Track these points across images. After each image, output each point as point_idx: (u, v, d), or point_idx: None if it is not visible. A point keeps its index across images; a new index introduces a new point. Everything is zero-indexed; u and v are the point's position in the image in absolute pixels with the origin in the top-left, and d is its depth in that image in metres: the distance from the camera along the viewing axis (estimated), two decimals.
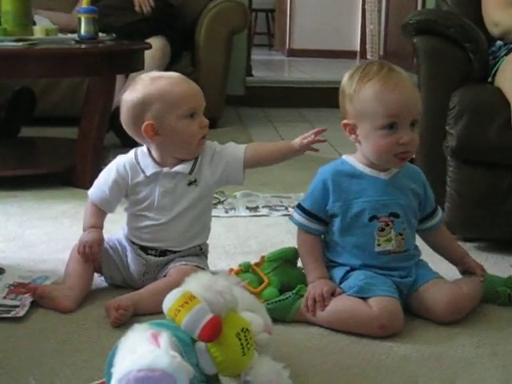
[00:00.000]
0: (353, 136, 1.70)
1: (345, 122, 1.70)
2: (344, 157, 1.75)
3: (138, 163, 1.79)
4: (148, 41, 3.55)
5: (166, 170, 1.77)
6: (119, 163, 1.80)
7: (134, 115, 1.75)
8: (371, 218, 1.69)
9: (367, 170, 1.71)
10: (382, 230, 1.69)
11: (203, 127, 1.76)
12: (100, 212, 1.82)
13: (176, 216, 1.78)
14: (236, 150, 1.80)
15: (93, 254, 1.76)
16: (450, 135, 2.14)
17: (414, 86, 1.70)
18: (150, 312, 1.63)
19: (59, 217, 2.44)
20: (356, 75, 1.68)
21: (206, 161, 1.79)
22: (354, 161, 1.73)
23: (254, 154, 1.80)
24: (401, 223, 1.70)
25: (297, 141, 1.77)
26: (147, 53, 3.11)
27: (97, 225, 1.81)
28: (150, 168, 1.78)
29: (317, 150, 1.78)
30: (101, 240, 1.78)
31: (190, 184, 1.78)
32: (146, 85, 1.75)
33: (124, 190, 1.81)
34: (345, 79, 1.71)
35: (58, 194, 2.77)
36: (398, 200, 1.70)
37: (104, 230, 1.81)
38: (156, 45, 3.64)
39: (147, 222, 1.79)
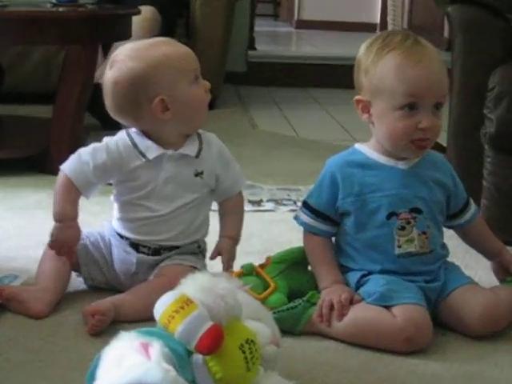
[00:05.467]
0: (365, 115, 1.69)
1: (358, 97, 1.69)
2: (356, 145, 1.75)
3: (136, 145, 1.76)
4: None
5: (170, 152, 1.76)
6: (111, 143, 1.76)
7: (134, 95, 1.72)
8: (389, 215, 1.68)
9: (383, 159, 1.70)
10: (403, 228, 1.68)
11: (207, 91, 1.78)
12: (75, 194, 1.76)
13: (177, 208, 1.78)
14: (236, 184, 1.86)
15: (69, 254, 1.76)
16: (489, 120, 2.14)
17: (443, 63, 1.68)
18: (134, 319, 1.63)
19: (31, 208, 2.44)
20: (375, 45, 1.68)
21: (212, 151, 1.81)
22: (366, 149, 1.72)
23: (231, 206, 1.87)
24: (424, 220, 1.69)
25: None
26: (135, 22, 3.09)
27: (72, 214, 1.76)
28: (152, 150, 1.76)
29: None
30: (80, 236, 1.77)
31: (196, 175, 1.79)
32: (137, 57, 1.73)
33: (110, 175, 1.78)
34: (362, 49, 1.71)
35: (30, 181, 2.77)
36: (420, 193, 1.69)
37: (83, 224, 1.79)
38: (145, 14, 3.62)
39: (145, 214, 1.78)
